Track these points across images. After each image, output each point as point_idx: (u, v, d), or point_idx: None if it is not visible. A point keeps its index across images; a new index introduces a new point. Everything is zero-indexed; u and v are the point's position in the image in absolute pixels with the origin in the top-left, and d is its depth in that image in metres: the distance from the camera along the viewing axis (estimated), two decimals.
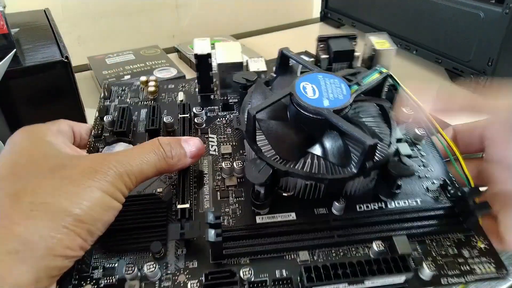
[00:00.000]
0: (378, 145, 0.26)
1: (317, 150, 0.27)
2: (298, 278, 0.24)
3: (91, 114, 0.39)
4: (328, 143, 0.27)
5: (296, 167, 0.27)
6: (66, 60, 0.33)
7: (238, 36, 0.92)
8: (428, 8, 0.67)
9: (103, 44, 0.68)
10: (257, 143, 0.28)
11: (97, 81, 0.67)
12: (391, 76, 0.31)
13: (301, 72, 0.31)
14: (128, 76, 0.66)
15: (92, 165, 0.23)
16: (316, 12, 1.02)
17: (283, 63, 0.33)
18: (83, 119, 0.45)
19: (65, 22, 0.62)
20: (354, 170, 0.26)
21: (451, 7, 0.63)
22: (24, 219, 0.20)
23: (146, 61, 0.71)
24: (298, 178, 0.27)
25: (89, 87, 0.68)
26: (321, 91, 0.28)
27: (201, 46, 0.36)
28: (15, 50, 0.32)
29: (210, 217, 0.25)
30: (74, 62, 0.37)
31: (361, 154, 0.25)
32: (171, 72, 0.67)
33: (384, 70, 0.31)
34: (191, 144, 0.28)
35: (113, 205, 0.23)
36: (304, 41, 0.85)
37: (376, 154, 0.27)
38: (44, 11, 0.41)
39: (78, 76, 0.38)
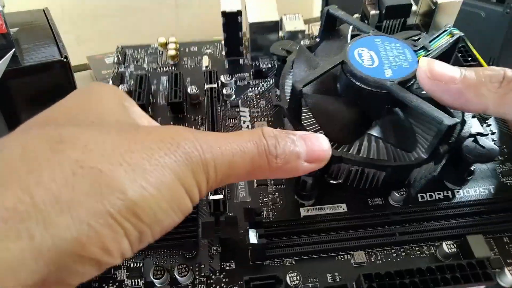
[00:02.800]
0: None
1: (375, 130, 0.22)
2: (354, 286, 0.21)
3: None
4: (389, 122, 0.22)
5: (351, 151, 0.22)
6: (65, 60, 0.33)
7: None
8: None
9: (103, 44, 0.66)
10: (302, 122, 0.23)
11: (96, 81, 0.64)
12: (463, 39, 0.26)
13: (352, 36, 0.26)
14: None
15: (173, 135, 0.16)
16: (316, 12, 0.95)
17: (329, 26, 0.28)
18: None
19: (64, 22, 0.61)
20: (424, 155, 0.21)
21: None
22: (57, 183, 0.13)
23: None
24: (354, 165, 0.22)
25: None
26: (381, 59, 0.23)
27: (230, 2, 0.31)
28: (14, 49, 0.31)
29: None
30: (73, 62, 0.36)
31: (435, 137, 0.21)
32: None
33: (455, 31, 0.25)
34: (311, 143, 0.18)
35: (184, 203, 0.15)
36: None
37: None
38: (43, 10, 0.39)
39: (77, 75, 0.37)
